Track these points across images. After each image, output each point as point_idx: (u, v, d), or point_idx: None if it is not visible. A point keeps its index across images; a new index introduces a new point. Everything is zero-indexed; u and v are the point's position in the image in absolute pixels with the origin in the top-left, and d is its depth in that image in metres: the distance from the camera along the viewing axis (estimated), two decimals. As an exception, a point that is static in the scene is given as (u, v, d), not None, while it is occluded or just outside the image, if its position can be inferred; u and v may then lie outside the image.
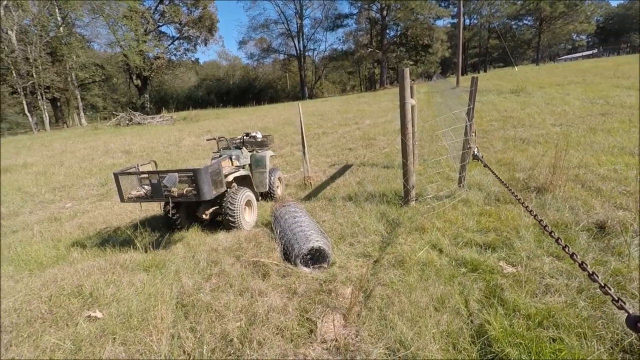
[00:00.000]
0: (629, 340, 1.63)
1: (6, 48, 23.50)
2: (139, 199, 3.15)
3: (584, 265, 1.18)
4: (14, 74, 24.28)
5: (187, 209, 3.72)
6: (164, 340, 1.92)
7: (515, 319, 1.84)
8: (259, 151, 4.30)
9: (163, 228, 3.72)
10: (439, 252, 2.65)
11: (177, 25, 39.07)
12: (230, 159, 3.90)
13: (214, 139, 4.33)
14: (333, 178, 5.20)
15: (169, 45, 40.22)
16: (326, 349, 1.81)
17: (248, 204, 3.61)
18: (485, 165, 2.97)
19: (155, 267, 2.80)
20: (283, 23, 45.41)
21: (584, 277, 2.10)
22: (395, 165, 5.36)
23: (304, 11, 44.72)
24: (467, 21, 50.27)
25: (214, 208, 3.59)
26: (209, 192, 2.95)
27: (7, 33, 23.66)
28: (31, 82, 24.98)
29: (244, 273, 2.59)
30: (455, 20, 43.02)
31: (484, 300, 2.06)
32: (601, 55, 50.10)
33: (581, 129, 6.07)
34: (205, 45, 41.94)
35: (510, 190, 2.19)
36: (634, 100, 8.12)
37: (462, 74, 24.54)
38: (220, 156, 3.90)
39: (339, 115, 13.68)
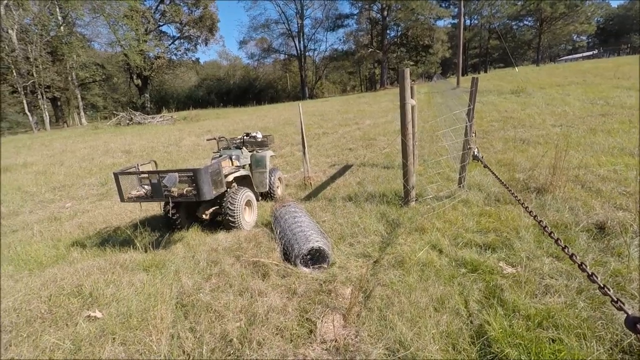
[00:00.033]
0: (629, 340, 1.63)
1: (7, 47, 23.50)
2: (139, 198, 3.16)
3: (584, 266, 1.18)
4: (15, 73, 24.28)
5: (187, 208, 3.72)
6: (163, 340, 1.92)
7: (515, 320, 1.84)
8: (259, 151, 4.30)
9: (163, 228, 3.72)
10: (438, 253, 2.65)
11: (178, 24, 39.08)
12: (231, 159, 3.90)
13: (214, 138, 4.33)
14: (333, 178, 5.20)
15: (170, 44, 40.24)
16: (326, 350, 1.81)
17: (248, 204, 3.61)
18: (485, 166, 2.97)
19: (155, 267, 2.80)
20: (284, 23, 45.46)
21: (583, 278, 2.10)
22: (395, 166, 5.36)
23: (304, 11, 44.77)
24: (468, 22, 50.27)
25: (214, 208, 3.60)
26: (209, 192, 2.95)
27: (7, 32, 23.66)
28: (31, 81, 24.98)
29: (243, 273, 2.59)
30: (455, 21, 43.08)
31: (484, 300, 2.06)
32: (601, 56, 50.10)
33: (581, 129, 6.07)
34: (206, 45, 41.98)
35: (510, 190, 2.19)
36: (634, 101, 8.11)
37: (463, 75, 24.55)
38: (220, 156, 3.91)
39: (339, 116, 13.68)
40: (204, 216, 3.56)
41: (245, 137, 4.42)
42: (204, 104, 36.79)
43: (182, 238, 3.39)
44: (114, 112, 25.95)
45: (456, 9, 39.54)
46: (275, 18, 47.15)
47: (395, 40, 45.16)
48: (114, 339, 1.97)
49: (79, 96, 31.64)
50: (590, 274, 1.12)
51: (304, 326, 1.98)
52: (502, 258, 2.48)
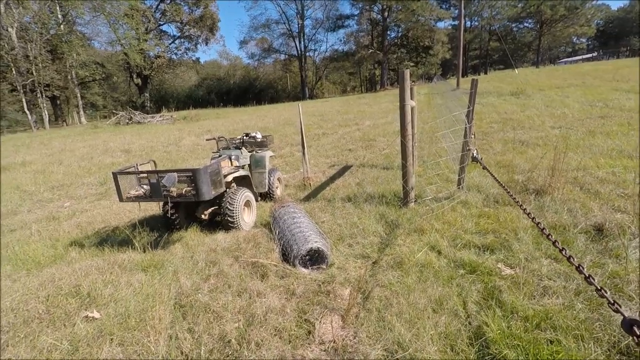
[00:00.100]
0: (626, 342, 1.63)
1: (6, 45, 23.47)
2: (137, 198, 3.15)
3: (581, 268, 1.18)
4: (14, 72, 24.26)
5: (186, 209, 3.71)
6: (161, 341, 1.92)
7: (513, 321, 1.84)
8: (259, 151, 4.30)
9: (162, 228, 3.72)
10: (437, 254, 2.65)
11: (178, 24, 39.09)
12: (230, 159, 3.90)
13: (214, 138, 4.33)
14: (332, 179, 5.20)
15: (170, 44, 40.24)
16: (324, 351, 1.81)
17: (247, 204, 3.61)
18: (484, 168, 2.98)
19: (153, 267, 2.79)
20: (284, 23, 45.47)
21: (581, 280, 2.10)
22: (394, 167, 5.37)
23: (305, 11, 44.81)
24: (468, 23, 50.33)
25: (213, 208, 3.59)
26: (208, 192, 2.95)
27: (7, 30, 23.63)
28: (31, 79, 24.95)
29: (242, 274, 2.59)
30: (456, 23, 43.09)
31: (482, 302, 2.06)
32: (601, 58, 50.20)
33: (580, 131, 6.08)
34: (206, 44, 41.98)
35: (508, 192, 2.19)
36: (633, 104, 8.13)
37: (463, 76, 24.59)
38: (219, 156, 3.90)
39: (339, 116, 13.68)
40: (203, 216, 3.56)
41: (244, 137, 4.42)
42: (204, 104, 36.79)
43: (181, 238, 3.39)
44: (114, 111, 25.94)
45: (456, 11, 39.65)
46: (275, 18, 47.24)
47: (396, 41, 45.21)
48: (111, 339, 1.97)
49: (78, 95, 31.61)
50: (587, 276, 1.12)
51: (303, 327, 1.98)
52: (501, 259, 2.48)
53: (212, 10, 38.90)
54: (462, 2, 18.92)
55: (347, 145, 7.79)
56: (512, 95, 12.50)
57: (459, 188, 3.90)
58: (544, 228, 1.52)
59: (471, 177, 4.21)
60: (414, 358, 1.70)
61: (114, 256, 3.07)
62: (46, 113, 26.30)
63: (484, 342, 1.74)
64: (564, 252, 1.29)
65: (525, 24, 51.78)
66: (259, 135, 4.49)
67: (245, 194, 3.52)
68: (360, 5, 43.08)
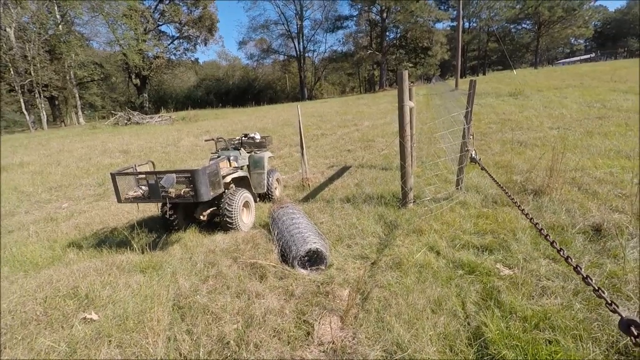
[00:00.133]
0: (624, 342, 1.64)
1: (4, 45, 23.40)
2: (136, 199, 3.15)
3: (579, 268, 1.19)
4: (12, 72, 24.18)
5: (185, 209, 3.71)
6: (160, 342, 1.91)
7: (512, 321, 1.85)
8: (258, 152, 4.30)
9: (160, 229, 3.71)
10: (436, 254, 2.66)
11: (177, 24, 39.07)
12: (229, 159, 3.90)
13: (213, 139, 4.33)
14: (331, 179, 5.20)
15: (169, 44, 40.20)
16: (323, 352, 1.81)
17: (246, 205, 3.61)
18: (482, 168, 2.98)
19: (152, 268, 2.79)
20: (283, 24, 45.52)
21: (579, 280, 2.11)
22: (393, 167, 5.37)
23: (304, 12, 44.86)
24: (467, 24, 50.48)
25: (211, 209, 3.59)
26: (207, 193, 2.94)
27: (5, 30, 23.56)
28: (29, 80, 24.86)
29: (241, 275, 2.58)
30: (454, 24, 43.18)
31: (481, 302, 2.07)
32: (599, 59, 50.39)
33: (578, 132, 6.11)
34: (205, 45, 41.98)
35: (506, 193, 2.20)
36: (631, 104, 8.17)
37: (461, 77, 24.65)
38: (218, 157, 3.90)
39: (338, 117, 13.69)
40: (201, 217, 3.56)
41: (243, 138, 4.41)
42: (203, 104, 36.72)
43: (180, 239, 3.38)
44: (112, 111, 25.89)
45: (455, 12, 39.72)
46: (274, 19, 47.19)
47: (395, 42, 45.33)
48: (109, 341, 1.96)
49: (77, 95, 31.54)
50: (585, 276, 1.12)
51: (302, 328, 1.98)
52: (500, 260, 2.48)
53: (211, 10, 38.92)
54: (461, 3, 18.97)
55: (346, 146, 7.80)
56: (510, 96, 12.54)
57: (457, 189, 3.90)
58: (542, 229, 1.52)
59: (470, 177, 4.22)
60: (413, 359, 1.70)
61: (112, 257, 3.06)
62: (44, 113, 26.22)
63: (483, 343, 1.74)
64: (561, 253, 1.30)
65: (524, 25, 51.98)
66: (257, 136, 4.49)
67: (244, 195, 3.51)
68: (359, 6, 43.20)
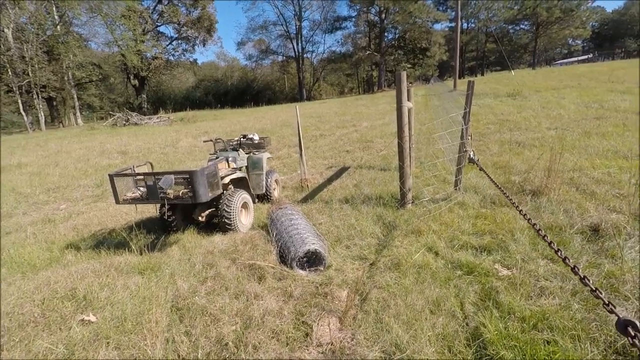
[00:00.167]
0: (622, 342, 1.64)
1: (2, 46, 23.32)
2: (134, 200, 3.14)
3: (576, 269, 1.19)
4: (10, 73, 24.09)
5: (183, 211, 3.70)
6: (158, 344, 1.91)
7: (510, 322, 1.85)
8: (256, 153, 4.30)
9: (158, 230, 3.70)
10: (434, 255, 2.66)
11: (176, 25, 39.05)
12: (227, 160, 3.90)
13: (211, 140, 4.33)
14: (330, 180, 5.20)
15: (167, 45, 40.19)
16: (322, 353, 1.81)
17: (244, 206, 3.60)
18: (480, 169, 2.99)
19: (150, 269, 2.78)
20: (282, 25, 45.60)
21: (577, 280, 2.11)
22: (392, 168, 5.38)
23: (302, 13, 44.94)
24: (465, 25, 50.62)
25: (210, 210, 3.58)
26: (205, 195, 2.94)
27: (3, 31, 23.50)
28: (27, 80, 24.79)
29: (239, 276, 2.58)
30: (452, 24, 43.30)
31: (480, 302, 2.07)
32: (596, 60, 50.61)
33: (576, 132, 6.13)
34: (204, 45, 42.01)
35: (504, 194, 2.20)
36: (628, 105, 8.20)
37: (460, 77, 24.71)
38: (217, 158, 3.90)
39: (336, 118, 13.71)
40: (200, 218, 3.55)
41: (242, 139, 4.41)
42: (202, 105, 36.74)
43: (178, 240, 3.37)
44: (111, 112, 25.84)
45: (453, 13, 39.86)
46: (273, 20, 47.19)
47: (393, 42, 45.42)
48: (108, 343, 1.96)
49: (75, 96, 31.46)
50: (582, 277, 1.12)
51: (300, 329, 1.98)
52: (498, 260, 2.49)
53: (210, 11, 38.94)
54: (459, 4, 19.03)
55: (345, 147, 7.80)
56: (508, 96, 12.58)
57: (456, 189, 3.91)
58: (539, 229, 1.53)
59: (468, 178, 4.23)
60: (411, 359, 1.70)
61: (110, 259, 3.05)
62: (42, 114, 26.13)
63: (482, 343, 1.75)
64: (559, 253, 1.30)
65: (522, 26, 52.14)
66: (256, 137, 4.49)
67: (243, 196, 3.51)
68: (357, 7, 43.31)
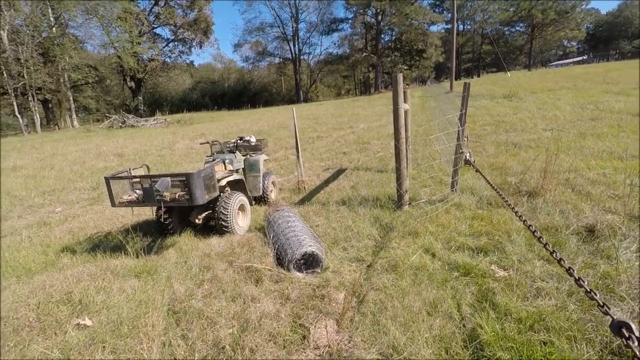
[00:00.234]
0: (617, 342, 1.65)
1: (-3, 48, 23.20)
2: (130, 203, 3.12)
3: (571, 270, 1.20)
4: (5, 75, 23.93)
5: (180, 213, 3.69)
6: (154, 348, 1.90)
7: (507, 323, 1.86)
8: (253, 155, 4.29)
9: (155, 233, 3.68)
10: (431, 257, 2.67)
11: (172, 27, 39.00)
12: (224, 163, 3.89)
13: (208, 142, 4.32)
14: (327, 182, 5.20)
15: (164, 47, 40.13)
16: (319, 355, 1.80)
17: (241, 208, 3.60)
18: (477, 170, 3.00)
19: (146, 273, 2.76)
20: (279, 26, 45.64)
21: (573, 281, 2.12)
22: (389, 170, 5.39)
23: (299, 15, 45.00)
24: (461, 27, 50.95)
25: (206, 212, 3.57)
26: (202, 197, 2.93)
27: (-2, 33, 23.36)
28: (22, 83, 24.64)
29: (236, 279, 2.57)
30: (449, 26, 43.65)
31: (476, 304, 2.07)
32: (591, 61, 51.12)
33: (572, 133, 6.17)
34: (200, 47, 41.97)
35: (500, 195, 2.21)
36: (623, 106, 8.28)
37: (456, 79, 24.83)
38: (213, 160, 3.89)
39: (333, 119, 13.72)
40: (196, 221, 3.54)
41: (238, 141, 4.40)
42: (198, 107, 36.63)
43: (175, 243, 3.36)
44: (107, 114, 25.73)
45: (449, 15, 40.11)
46: (270, 21, 47.44)
47: (390, 44, 45.58)
48: (104, 347, 1.94)
49: (71, 98, 31.27)
50: (577, 278, 1.13)
51: (297, 332, 1.97)
52: (494, 261, 2.50)
53: (207, 13, 38.92)
54: (455, 6, 19.15)
55: (342, 149, 7.81)
56: (504, 97, 12.66)
57: (452, 190, 3.92)
58: (535, 230, 1.53)
59: (464, 179, 4.25)
60: (408, 362, 1.70)
61: (106, 262, 3.03)
62: (38, 116, 25.97)
63: (478, 345, 1.75)
64: (554, 255, 1.31)
65: (517, 28, 52.55)
66: (253, 139, 4.48)
67: (240, 198, 3.50)
68: (354, 9, 43.44)
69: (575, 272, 1.21)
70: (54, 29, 27.85)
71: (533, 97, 11.91)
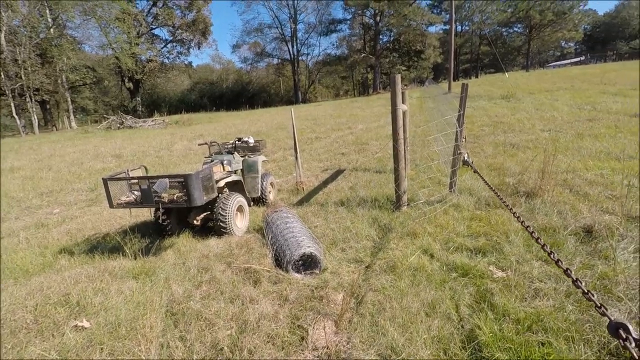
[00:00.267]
0: (615, 343, 1.65)
1: (-6, 50, 23.12)
2: (128, 204, 3.12)
3: (569, 271, 1.20)
4: (2, 76, 23.85)
5: (178, 214, 3.68)
6: (152, 349, 1.89)
7: (505, 324, 1.86)
8: (251, 156, 4.29)
9: (153, 234, 3.67)
10: (430, 257, 2.67)
11: (171, 28, 39.00)
12: (222, 164, 3.89)
13: (206, 143, 4.31)
14: (325, 183, 5.20)
15: (162, 48, 40.13)
16: (317, 357, 1.80)
17: (240, 209, 3.59)
18: (475, 171, 3.01)
19: (144, 274, 2.76)
20: (277, 27, 45.67)
21: (571, 282, 2.13)
22: (387, 170, 5.39)
23: (298, 16, 45.06)
24: (459, 28, 51.13)
25: (205, 214, 3.57)
26: (200, 198, 2.93)
27: (-5, 34, 23.30)
28: (20, 84, 24.55)
29: (235, 280, 2.57)
30: (447, 27, 43.72)
31: (475, 305, 2.08)
32: (589, 62, 51.29)
33: (569, 134, 6.20)
34: (199, 48, 41.99)
35: (498, 196, 2.22)
36: (620, 106, 8.32)
37: (454, 80, 24.89)
38: (212, 161, 3.88)
39: (332, 120, 13.73)
40: (195, 222, 3.53)
41: (237, 142, 4.40)
42: (197, 108, 36.57)
43: (173, 244, 3.35)
44: (105, 115, 25.69)
45: (447, 16, 40.18)
46: (268, 22, 47.57)
47: (388, 45, 45.68)
48: (101, 349, 1.93)
49: (68, 99, 31.19)
50: (575, 279, 1.13)
51: (296, 333, 1.97)
52: (493, 262, 2.50)
53: (205, 14, 38.92)
54: (453, 7, 19.21)
55: (340, 149, 7.82)
56: (502, 98, 12.69)
57: (450, 191, 3.93)
58: (532, 231, 1.54)
59: (463, 180, 4.26)
60: (407, 363, 1.70)
61: (104, 263, 3.02)
62: (35, 118, 25.88)
63: (477, 346, 1.75)
64: (552, 256, 1.31)
65: (515, 29, 52.72)
66: (251, 140, 4.48)
67: (238, 199, 3.50)
68: (352, 10, 43.50)
69: (573, 272, 1.21)
70: (51, 29, 27.79)
71: (531, 98, 11.95)
